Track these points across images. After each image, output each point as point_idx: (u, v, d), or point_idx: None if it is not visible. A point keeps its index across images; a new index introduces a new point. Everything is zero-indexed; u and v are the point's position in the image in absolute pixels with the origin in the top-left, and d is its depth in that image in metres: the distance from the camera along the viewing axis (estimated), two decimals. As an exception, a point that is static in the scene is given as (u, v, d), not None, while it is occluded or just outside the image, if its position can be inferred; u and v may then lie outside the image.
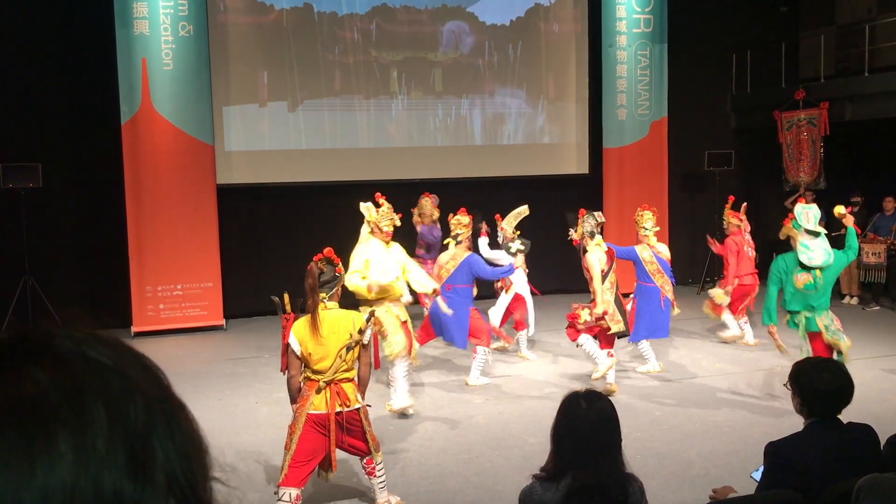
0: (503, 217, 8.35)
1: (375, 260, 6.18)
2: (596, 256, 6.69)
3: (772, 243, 10.75)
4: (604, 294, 6.63)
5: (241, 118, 10.43)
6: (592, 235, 6.78)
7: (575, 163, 11.87)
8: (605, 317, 6.67)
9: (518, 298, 8.07)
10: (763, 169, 12.45)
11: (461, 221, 7.13)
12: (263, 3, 10.39)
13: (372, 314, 4.82)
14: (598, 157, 11.61)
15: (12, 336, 0.64)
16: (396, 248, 6.39)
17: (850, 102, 10.94)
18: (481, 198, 10.45)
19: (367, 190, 10.49)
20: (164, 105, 9.48)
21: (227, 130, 10.33)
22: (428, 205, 8.98)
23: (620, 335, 6.95)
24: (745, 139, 12.72)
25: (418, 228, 9.09)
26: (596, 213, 6.87)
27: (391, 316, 6.24)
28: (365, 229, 6.43)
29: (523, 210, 8.29)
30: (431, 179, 10.76)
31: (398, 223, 6.40)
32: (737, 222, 8.70)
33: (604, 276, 6.69)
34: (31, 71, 9.68)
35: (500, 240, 8.33)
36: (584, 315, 6.75)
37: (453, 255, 6.98)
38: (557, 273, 10.88)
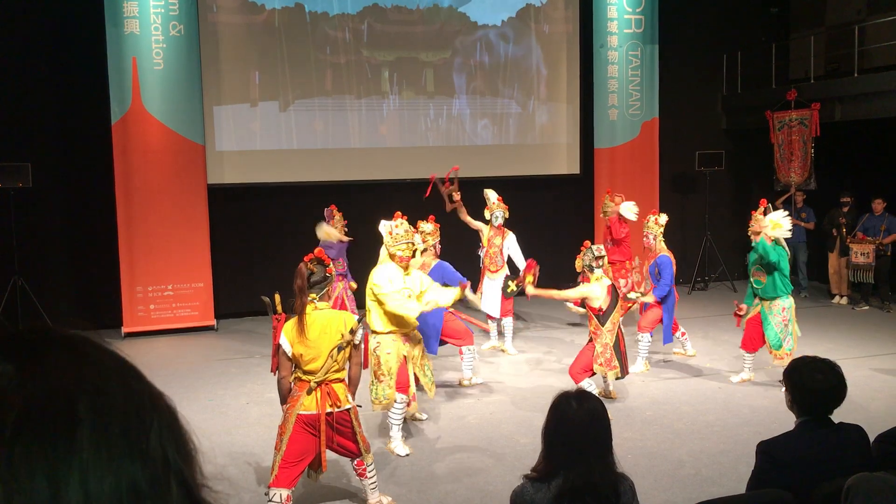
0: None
1: (397, 283, 5.56)
2: (596, 290, 6.33)
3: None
4: (603, 336, 6.30)
5: (233, 118, 10.40)
6: (591, 270, 6.42)
7: (566, 163, 11.89)
8: (599, 360, 6.33)
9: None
10: (754, 169, 12.50)
11: (425, 230, 6.97)
12: (255, 2, 10.37)
13: (363, 315, 4.80)
14: (589, 158, 11.64)
15: (32, 329, 0.65)
16: (417, 275, 5.78)
17: (840, 103, 11.00)
18: (473, 198, 10.46)
19: (358, 190, 10.55)
20: (155, 105, 9.44)
21: (218, 130, 10.30)
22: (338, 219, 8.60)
23: (617, 378, 6.54)
24: (735, 139, 12.77)
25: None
26: (594, 247, 6.52)
27: (395, 356, 5.64)
28: (384, 251, 5.90)
29: (489, 193, 8.63)
30: (422, 179, 10.76)
31: (420, 246, 5.93)
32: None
33: (605, 315, 6.32)
34: (21, 70, 9.63)
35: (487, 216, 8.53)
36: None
37: (423, 264, 6.77)
38: (549, 274, 10.88)
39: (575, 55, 11.67)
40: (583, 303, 6.57)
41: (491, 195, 8.64)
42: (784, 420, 4.35)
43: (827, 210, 11.05)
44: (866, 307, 10.49)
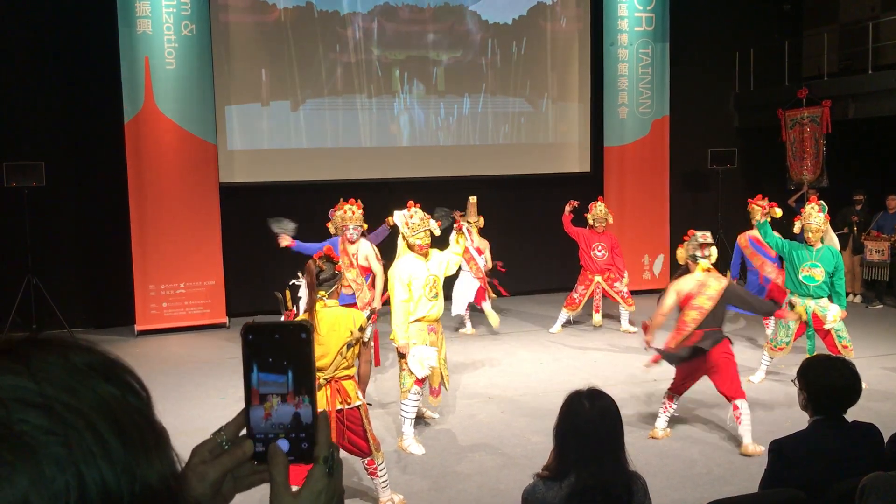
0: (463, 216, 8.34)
1: (417, 277, 5.62)
2: (681, 286, 5.78)
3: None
4: (685, 329, 5.70)
5: (244, 117, 10.43)
6: (695, 260, 5.82)
7: (577, 161, 11.86)
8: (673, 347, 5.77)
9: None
10: (766, 167, 12.44)
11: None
12: (265, 2, 10.39)
13: (373, 311, 4.81)
14: (599, 156, 11.61)
15: None
16: (434, 255, 5.82)
17: (854, 100, 10.93)
18: (483, 196, 10.45)
19: (369, 189, 10.55)
20: (167, 104, 9.49)
21: (229, 129, 10.34)
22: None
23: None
24: (748, 137, 12.70)
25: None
26: (699, 234, 5.90)
27: (423, 339, 5.68)
28: (401, 242, 5.89)
29: (473, 200, 8.56)
30: (433, 178, 10.78)
31: (437, 231, 5.87)
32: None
33: (688, 303, 5.74)
34: (34, 70, 9.69)
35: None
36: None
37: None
38: (557, 271, 10.89)
39: (586, 53, 11.64)
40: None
41: (471, 208, 8.81)
42: (797, 419, 4.33)
43: (840, 208, 10.98)
44: (880, 305, 10.42)
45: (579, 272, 9.22)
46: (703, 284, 5.74)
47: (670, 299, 5.81)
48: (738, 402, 5.66)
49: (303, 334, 0.84)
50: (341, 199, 7.96)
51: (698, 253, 5.82)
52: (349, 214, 7.08)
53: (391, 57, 10.93)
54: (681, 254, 6.00)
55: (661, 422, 5.95)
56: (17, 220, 9.27)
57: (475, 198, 8.52)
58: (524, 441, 5.89)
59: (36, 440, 0.55)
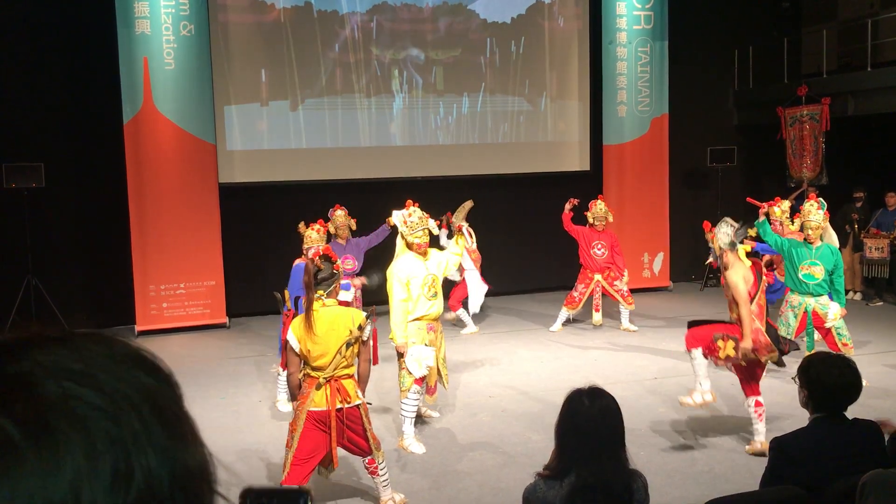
0: (453, 213, 8.32)
1: (416, 276, 5.64)
2: (740, 274, 5.36)
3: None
4: (752, 321, 5.34)
5: (243, 117, 10.43)
6: (733, 246, 5.42)
7: (576, 160, 11.86)
8: (756, 351, 5.39)
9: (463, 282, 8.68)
10: (766, 165, 12.44)
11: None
12: (264, 1, 10.39)
13: (372, 311, 4.80)
14: (598, 154, 11.61)
15: None
16: (434, 254, 5.86)
17: (853, 98, 10.93)
18: (482, 195, 10.44)
19: (367, 188, 10.55)
20: (166, 104, 9.49)
21: (228, 130, 10.34)
22: (342, 217, 7.92)
23: (778, 363, 5.81)
24: (747, 135, 12.70)
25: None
26: (727, 219, 5.51)
27: (421, 338, 5.70)
28: (400, 242, 5.88)
29: (468, 204, 8.49)
30: (432, 177, 10.78)
31: (435, 231, 5.87)
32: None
33: (751, 298, 5.40)
34: (33, 71, 9.69)
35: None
36: (729, 349, 5.41)
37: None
38: (557, 270, 10.88)
39: (585, 52, 11.64)
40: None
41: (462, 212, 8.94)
42: (798, 416, 4.33)
43: (840, 206, 10.98)
44: (880, 303, 10.42)
45: (579, 271, 9.22)
46: (755, 278, 5.42)
47: (743, 289, 5.34)
48: (761, 398, 5.58)
49: (301, 500, 0.82)
50: (336, 204, 7.98)
51: (734, 238, 5.41)
52: (315, 235, 6.65)
53: (390, 56, 10.92)
54: (717, 244, 5.48)
55: (762, 428, 5.54)
56: (16, 221, 9.27)
57: (471, 203, 8.50)
58: (524, 440, 5.89)
59: (88, 416, 0.57)
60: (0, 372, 0.58)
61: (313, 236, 6.60)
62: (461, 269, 8.27)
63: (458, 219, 8.24)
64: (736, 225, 5.43)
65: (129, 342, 0.65)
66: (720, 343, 5.47)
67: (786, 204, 8.01)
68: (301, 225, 6.83)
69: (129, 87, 9.34)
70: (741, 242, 5.49)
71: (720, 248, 5.46)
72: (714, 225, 5.57)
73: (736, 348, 5.38)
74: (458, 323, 9.30)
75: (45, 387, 0.57)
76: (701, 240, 12.10)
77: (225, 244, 9.97)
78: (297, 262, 6.41)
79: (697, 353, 5.58)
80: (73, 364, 0.60)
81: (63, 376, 0.59)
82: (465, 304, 9.59)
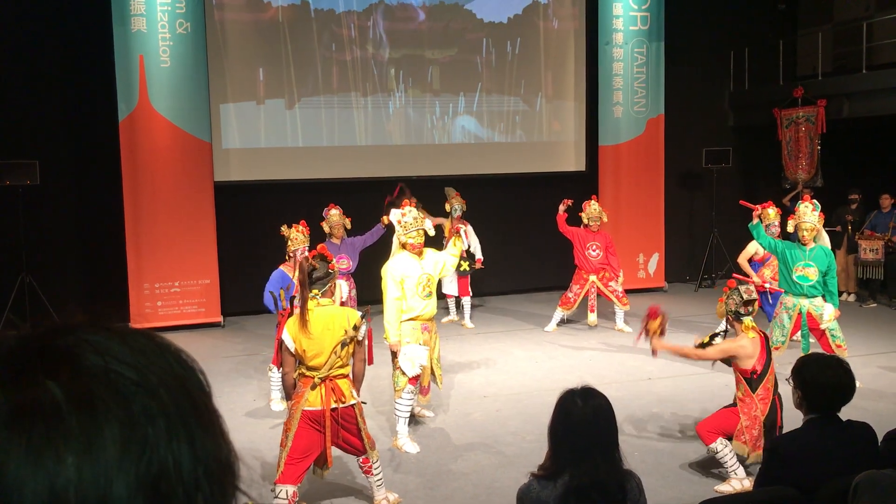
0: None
1: (410, 276, 5.65)
2: (738, 344, 5.08)
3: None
4: (754, 406, 4.97)
5: (239, 115, 10.41)
6: (739, 318, 5.14)
7: (572, 160, 11.87)
8: (743, 436, 4.99)
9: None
10: (761, 166, 12.46)
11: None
12: (260, 0, 10.37)
13: (367, 311, 4.80)
14: (594, 155, 11.62)
15: (36, 337, 0.63)
16: (430, 254, 5.84)
17: (848, 99, 10.95)
18: (478, 195, 10.46)
19: (364, 187, 10.54)
20: (162, 102, 9.46)
21: (224, 128, 10.32)
22: (336, 216, 7.76)
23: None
24: (743, 137, 12.73)
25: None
26: (742, 288, 5.19)
27: (416, 338, 5.70)
28: (395, 241, 5.88)
29: (449, 190, 9.31)
30: (428, 177, 10.77)
31: (431, 231, 5.84)
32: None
33: (759, 379, 5.01)
34: (28, 68, 9.66)
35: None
36: (655, 327, 5.20)
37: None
38: (554, 270, 10.88)
39: (581, 52, 11.65)
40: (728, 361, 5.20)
41: (450, 191, 9.31)
42: (792, 417, 4.34)
43: (835, 207, 11.02)
44: (874, 304, 10.45)
45: (574, 271, 9.23)
46: (762, 354, 5.08)
47: (721, 350, 5.16)
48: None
49: None
50: (331, 203, 7.97)
51: (741, 310, 5.13)
52: (301, 237, 6.60)
53: (386, 55, 10.92)
54: (720, 309, 5.33)
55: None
56: (11, 219, 9.24)
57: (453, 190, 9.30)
58: (519, 439, 5.90)
59: (129, 390, 0.60)
60: (49, 344, 0.62)
61: (299, 237, 6.60)
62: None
63: (458, 203, 8.82)
64: (750, 296, 5.14)
65: (166, 338, 0.68)
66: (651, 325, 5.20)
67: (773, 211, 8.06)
68: (284, 227, 6.79)
69: (124, 85, 9.32)
70: (747, 316, 5.15)
71: (725, 314, 5.28)
72: (738, 284, 5.29)
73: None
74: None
75: (90, 359, 0.61)
76: (696, 241, 12.18)
77: (220, 243, 9.95)
78: (280, 267, 6.47)
79: (718, 444, 5.05)
80: (115, 345, 0.63)
81: (106, 353, 0.62)
82: (458, 303, 9.68)
